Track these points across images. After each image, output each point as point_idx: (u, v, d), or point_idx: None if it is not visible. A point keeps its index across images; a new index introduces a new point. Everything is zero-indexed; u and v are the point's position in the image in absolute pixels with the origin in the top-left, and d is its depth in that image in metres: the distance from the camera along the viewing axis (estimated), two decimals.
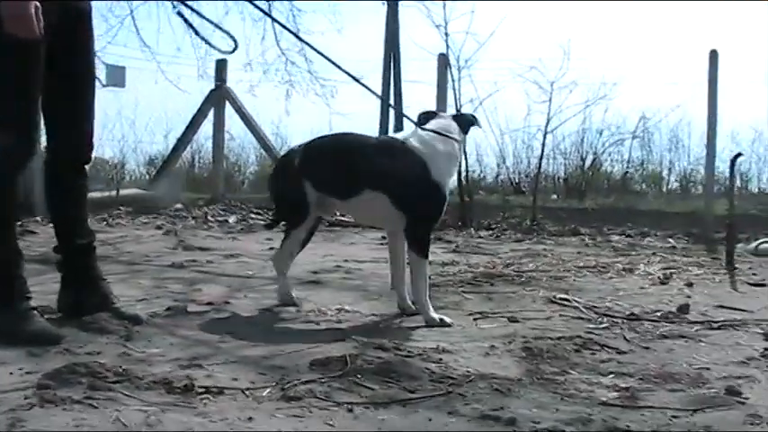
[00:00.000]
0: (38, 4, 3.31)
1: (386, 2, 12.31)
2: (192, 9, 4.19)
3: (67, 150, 3.90)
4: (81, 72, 3.85)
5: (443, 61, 10.57)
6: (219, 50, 4.20)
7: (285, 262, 4.59)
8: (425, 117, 4.56)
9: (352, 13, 18.42)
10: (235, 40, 4.09)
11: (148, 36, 12.40)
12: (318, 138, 4.55)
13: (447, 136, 4.34)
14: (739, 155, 7.73)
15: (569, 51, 10.73)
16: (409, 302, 4.33)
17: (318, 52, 4.68)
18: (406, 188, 4.20)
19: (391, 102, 11.95)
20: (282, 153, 4.75)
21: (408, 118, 4.63)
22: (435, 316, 4.14)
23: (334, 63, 4.60)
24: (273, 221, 5.08)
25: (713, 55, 9.77)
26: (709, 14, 21.32)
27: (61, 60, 3.65)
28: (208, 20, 4.10)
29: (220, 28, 4.09)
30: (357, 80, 4.91)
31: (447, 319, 4.14)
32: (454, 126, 4.46)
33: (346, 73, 4.70)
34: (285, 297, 4.49)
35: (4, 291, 3.51)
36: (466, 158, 10.53)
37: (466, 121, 4.63)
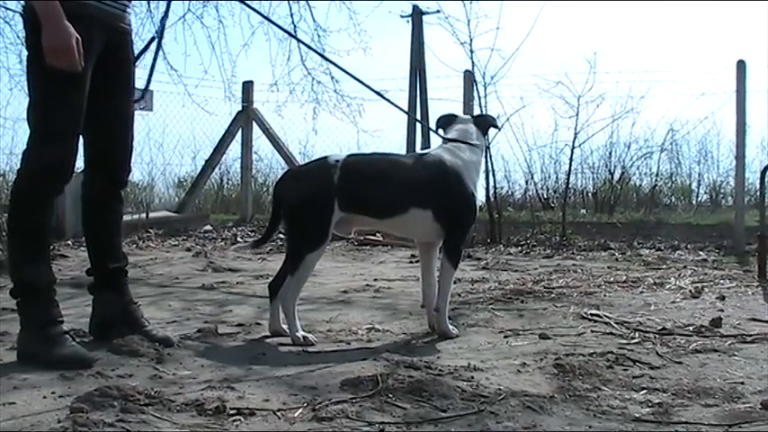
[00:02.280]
0: (78, 36, 3.35)
1: (410, 20, 12.31)
2: (154, 63, 4.29)
3: (104, 172, 3.90)
4: (121, 95, 3.86)
5: (469, 78, 10.57)
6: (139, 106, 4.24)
7: (297, 294, 4.17)
8: (446, 121, 4.66)
9: (377, 32, 18.42)
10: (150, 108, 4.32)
11: (175, 59, 12.43)
12: (353, 155, 4.31)
13: (471, 144, 4.42)
14: None
15: (595, 65, 10.70)
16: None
17: (345, 71, 4.73)
18: (448, 203, 4.24)
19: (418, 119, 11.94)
20: (315, 161, 4.41)
21: (436, 133, 4.63)
22: (450, 328, 4.29)
23: (361, 82, 4.65)
24: (266, 237, 4.55)
25: (741, 65, 9.70)
26: (737, 24, 21.23)
27: (102, 83, 3.67)
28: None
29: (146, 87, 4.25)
30: (384, 97, 4.94)
31: (455, 331, 4.30)
32: (474, 130, 4.53)
33: (374, 91, 4.73)
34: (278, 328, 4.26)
35: (37, 314, 3.53)
36: (494, 175, 10.51)
37: (486, 123, 4.71)
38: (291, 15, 10.62)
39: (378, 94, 4.89)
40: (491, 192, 10.41)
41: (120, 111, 3.88)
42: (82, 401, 2.81)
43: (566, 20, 20.79)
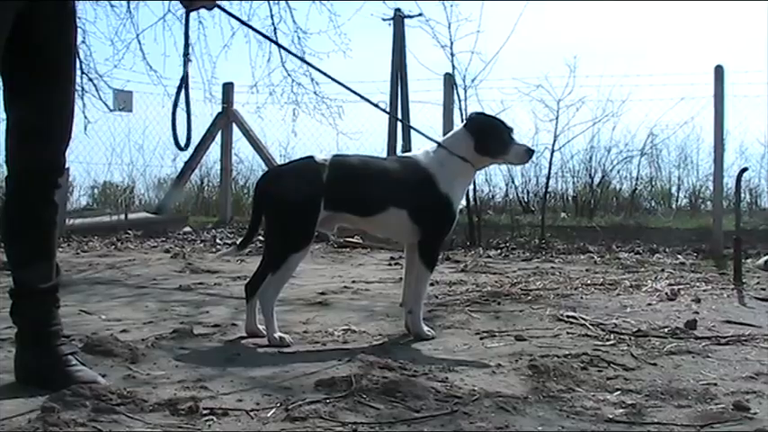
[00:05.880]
0: None
1: (392, 23, 12.32)
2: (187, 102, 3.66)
3: (30, 167, 3.18)
4: (48, 70, 3.15)
5: (449, 81, 10.60)
6: (178, 144, 3.62)
7: (277, 295, 4.16)
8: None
9: (358, 35, 18.42)
10: (189, 143, 3.70)
11: (155, 60, 12.43)
12: (339, 156, 4.32)
13: (455, 154, 4.36)
14: (745, 170, 7.70)
15: (575, 69, 10.75)
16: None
17: (327, 75, 4.69)
18: (421, 203, 4.26)
19: (399, 123, 11.95)
20: (300, 160, 4.39)
21: (419, 132, 4.64)
22: (424, 329, 4.27)
23: (344, 85, 4.62)
24: (248, 238, 4.45)
25: (718, 70, 9.76)
26: (716, 29, 21.35)
27: (25, 54, 3.09)
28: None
29: (188, 122, 3.64)
30: (369, 100, 4.93)
31: (431, 333, 4.28)
32: (463, 139, 4.42)
33: (357, 94, 4.69)
34: (254, 329, 4.26)
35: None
36: (474, 179, 10.51)
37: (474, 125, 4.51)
38: (272, 17, 10.63)
39: (360, 96, 4.87)
40: (471, 195, 10.44)
41: (45, 86, 3.15)
42: (53, 401, 2.78)
43: (546, 24, 20.87)
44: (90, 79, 10.99)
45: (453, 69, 10.62)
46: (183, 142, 3.64)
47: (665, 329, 4.39)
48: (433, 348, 4.01)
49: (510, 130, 4.44)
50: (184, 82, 3.64)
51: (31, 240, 3.22)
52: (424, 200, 4.27)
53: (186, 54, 3.74)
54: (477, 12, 13.05)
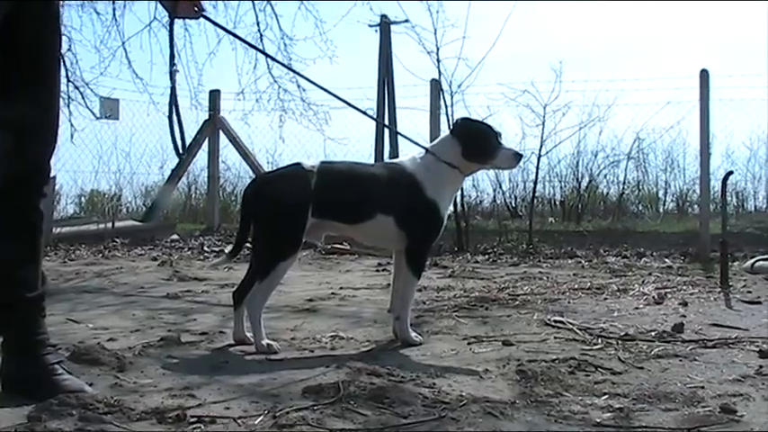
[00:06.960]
0: None
1: (378, 29, 12.35)
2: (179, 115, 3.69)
3: (15, 170, 3.12)
4: (34, 70, 3.14)
5: (436, 87, 10.62)
6: (177, 152, 3.73)
7: (264, 302, 4.14)
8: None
9: (345, 41, 18.42)
10: (185, 150, 3.81)
11: (141, 68, 12.45)
12: (326, 163, 4.34)
13: (442, 160, 4.35)
14: (731, 173, 7.76)
15: (561, 74, 10.78)
16: None
17: (313, 83, 4.69)
18: (407, 209, 4.25)
19: (386, 129, 11.97)
20: (288, 167, 4.35)
21: (406, 138, 4.65)
22: (412, 335, 4.27)
23: (331, 93, 4.61)
24: (239, 246, 4.39)
25: (704, 74, 9.80)
26: (702, 33, 21.45)
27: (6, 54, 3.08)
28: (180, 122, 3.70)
29: (181, 131, 3.69)
30: (355, 107, 4.93)
31: (419, 339, 4.28)
32: (449, 144, 4.41)
33: (345, 102, 4.69)
34: (241, 336, 4.25)
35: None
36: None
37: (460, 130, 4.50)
38: (258, 24, 10.62)
39: (346, 103, 4.87)
40: (459, 200, 10.45)
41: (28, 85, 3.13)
42: (40, 410, 2.77)
43: (532, 29, 20.93)
44: (76, 87, 10.98)
45: (440, 75, 10.63)
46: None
47: (653, 333, 4.40)
48: (420, 354, 4.01)
49: (497, 134, 4.44)
50: (173, 93, 3.65)
51: (16, 248, 3.18)
52: (411, 206, 4.26)
53: (173, 64, 3.73)
54: (463, 17, 13.05)
